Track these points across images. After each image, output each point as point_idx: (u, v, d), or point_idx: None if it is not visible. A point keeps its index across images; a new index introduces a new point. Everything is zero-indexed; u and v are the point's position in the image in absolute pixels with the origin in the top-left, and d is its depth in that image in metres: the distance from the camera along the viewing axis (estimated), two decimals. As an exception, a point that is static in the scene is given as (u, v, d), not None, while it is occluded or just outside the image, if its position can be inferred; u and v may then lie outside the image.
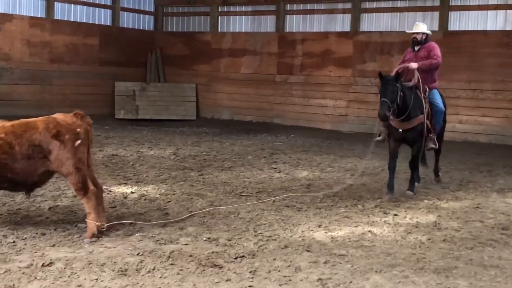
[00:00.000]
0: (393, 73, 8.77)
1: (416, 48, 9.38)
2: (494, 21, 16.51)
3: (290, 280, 5.18)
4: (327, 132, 17.55)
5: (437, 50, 9.31)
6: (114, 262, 5.40)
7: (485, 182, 10.26)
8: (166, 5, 22.08)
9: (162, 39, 21.77)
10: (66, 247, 5.84)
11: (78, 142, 6.13)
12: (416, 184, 9.23)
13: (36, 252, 5.63)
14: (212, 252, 5.80)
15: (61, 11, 19.22)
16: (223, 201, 8.10)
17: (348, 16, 18.63)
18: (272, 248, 6.06)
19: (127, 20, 21.30)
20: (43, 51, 18.47)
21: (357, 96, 18.20)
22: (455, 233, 6.87)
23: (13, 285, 4.83)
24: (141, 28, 21.83)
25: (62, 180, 8.88)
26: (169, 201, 8.00)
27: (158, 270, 5.26)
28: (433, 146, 9.20)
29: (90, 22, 20.07)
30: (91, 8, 20.14)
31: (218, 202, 8.02)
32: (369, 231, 6.83)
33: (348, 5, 18.58)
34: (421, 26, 9.48)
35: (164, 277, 5.11)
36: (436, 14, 17.18)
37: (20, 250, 5.68)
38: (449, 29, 16.94)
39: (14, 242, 5.91)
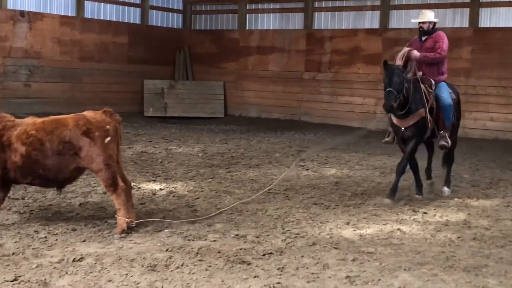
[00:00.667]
0: (396, 62, 8.25)
1: (423, 38, 8.69)
2: (525, 18, 16.29)
3: (318, 277, 5.18)
4: (355, 129, 17.45)
5: (443, 42, 8.60)
6: (144, 258, 5.45)
7: (516, 180, 10.13)
8: (194, 3, 22.16)
9: (190, 37, 21.87)
10: (96, 243, 5.91)
11: (108, 139, 6.20)
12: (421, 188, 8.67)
13: (67, 248, 5.71)
14: (240, 249, 5.82)
15: (91, 10, 19.41)
16: (251, 198, 8.11)
17: (377, 13, 18.50)
18: (300, 245, 6.06)
19: (156, 18, 21.43)
20: (73, 49, 18.68)
21: (386, 93, 18.03)
22: (485, 232, 6.79)
23: (45, 279, 4.90)
24: (170, 26, 21.95)
25: (93, 177, 8.99)
26: (197, 198, 8.05)
27: (187, 266, 5.30)
28: (445, 143, 8.48)
29: (120, 20, 20.24)
30: (120, 6, 20.31)
31: (246, 199, 8.04)
32: (398, 229, 6.79)
33: (377, 2, 18.46)
34: (428, 14, 8.75)
35: (193, 273, 5.15)
36: (466, 11, 16.98)
37: (51, 246, 5.77)
38: (479, 26, 16.72)
39: (45, 237, 6.00)
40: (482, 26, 16.74)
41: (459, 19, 16.62)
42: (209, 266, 5.33)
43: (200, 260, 5.46)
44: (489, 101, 16.09)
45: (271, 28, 20.57)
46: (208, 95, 20.58)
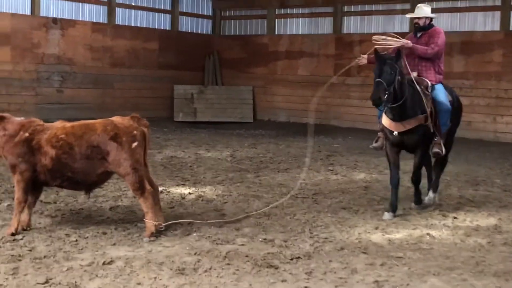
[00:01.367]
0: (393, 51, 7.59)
1: (419, 35, 8.05)
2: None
3: (346, 282, 5.17)
4: (385, 134, 17.33)
5: (438, 37, 7.89)
6: (172, 261, 5.50)
7: (549, 185, 9.97)
8: (224, 9, 22.29)
9: (219, 42, 21.99)
10: (126, 246, 5.98)
11: (135, 144, 6.28)
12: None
13: (97, 251, 5.79)
14: (268, 253, 5.84)
15: (121, 17, 19.66)
16: (279, 203, 8.12)
17: (406, 17, 18.37)
18: (328, 249, 6.06)
19: (186, 24, 21.61)
20: (105, 55, 18.93)
21: (416, 97, 17.92)
22: (517, 237, 6.71)
23: (75, 282, 4.98)
24: (199, 32, 22.10)
25: (123, 181, 9.09)
26: (226, 202, 8.09)
27: (215, 269, 5.33)
28: (439, 151, 7.77)
29: (150, 27, 20.47)
30: (150, 13, 20.52)
31: (274, 204, 8.05)
32: (428, 233, 6.74)
33: (407, 6, 18.31)
34: (424, 9, 8.10)
35: (221, 277, 5.18)
36: (498, 14, 16.78)
37: (82, 249, 5.85)
38: (511, 29, 16.51)
39: (76, 240, 6.09)
40: (514, 29, 16.56)
41: (490, 22, 16.44)
42: (237, 270, 5.35)
43: (228, 264, 5.49)
44: (521, 105, 15.89)
45: (300, 33, 20.58)
46: (237, 100, 20.66)
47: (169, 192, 8.57)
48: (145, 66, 19.88)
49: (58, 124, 6.46)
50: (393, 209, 7.58)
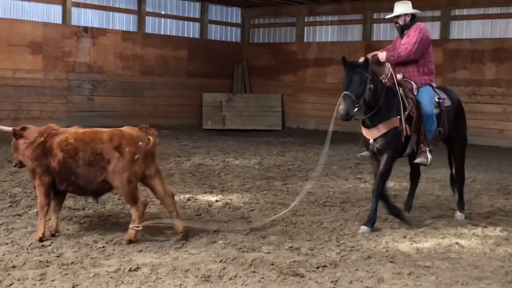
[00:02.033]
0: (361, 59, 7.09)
1: (403, 35, 7.50)
2: None
3: (372, 290, 5.12)
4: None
5: (414, 36, 7.28)
6: (198, 269, 5.50)
7: None
8: (253, 17, 22.36)
9: (248, 50, 22.05)
10: (152, 253, 6.00)
11: (137, 156, 6.31)
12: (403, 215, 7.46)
13: (124, 257, 5.82)
14: (294, 261, 5.80)
15: (151, 25, 19.85)
16: (306, 211, 8.09)
17: (437, 24, 18.23)
18: (354, 258, 6.00)
19: (215, 33, 21.72)
20: (135, 63, 19.11)
21: (447, 105, 17.74)
22: (549, 247, 6.57)
23: (101, 288, 5.01)
24: (228, 40, 22.20)
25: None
26: (253, 210, 8.07)
27: (240, 277, 5.32)
28: (424, 160, 7.25)
29: (179, 35, 20.62)
30: (180, 21, 20.68)
31: (301, 212, 8.02)
32: (456, 243, 6.63)
33: (437, 13, 18.19)
34: (401, 6, 7.45)
35: (246, 285, 5.16)
36: (531, 19, 16.57)
37: (109, 255, 5.89)
38: (544, 35, 16.29)
39: (103, 247, 6.13)
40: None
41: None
42: (262, 278, 5.33)
43: (254, 272, 5.47)
44: None
45: (329, 40, 20.53)
46: (266, 107, 20.66)
47: (196, 199, 8.59)
48: (174, 74, 20.02)
49: (72, 129, 6.58)
50: (371, 222, 7.08)
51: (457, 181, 8.05)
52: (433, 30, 18.34)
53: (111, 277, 5.26)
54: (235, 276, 5.33)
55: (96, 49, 18.12)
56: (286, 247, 6.30)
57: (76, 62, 17.67)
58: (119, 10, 19.03)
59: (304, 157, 13.57)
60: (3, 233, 6.45)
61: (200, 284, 5.16)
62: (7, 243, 6.12)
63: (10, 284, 5.00)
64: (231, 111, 20.35)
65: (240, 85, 21.62)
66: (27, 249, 5.96)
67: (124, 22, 19.19)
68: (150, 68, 19.47)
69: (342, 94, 6.81)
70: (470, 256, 6.18)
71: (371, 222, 7.09)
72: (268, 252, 6.10)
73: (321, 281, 5.29)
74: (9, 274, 5.20)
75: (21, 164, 6.71)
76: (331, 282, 5.28)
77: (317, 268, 5.64)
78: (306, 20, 21.08)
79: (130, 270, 5.42)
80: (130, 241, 6.28)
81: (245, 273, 5.43)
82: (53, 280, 5.12)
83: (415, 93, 7.28)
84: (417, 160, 7.32)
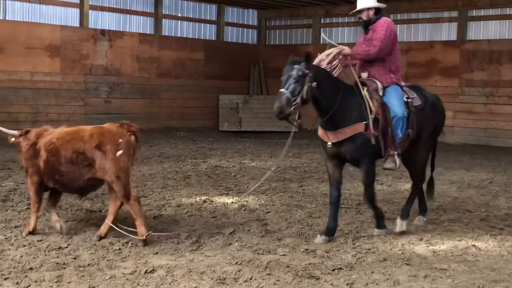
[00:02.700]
0: (322, 65, 6.65)
1: (367, 30, 7.01)
2: None
3: (387, 293, 5.10)
4: (432, 143, 17.07)
5: (380, 31, 6.76)
6: (213, 271, 5.51)
7: None
8: (269, 18, 22.37)
9: (264, 52, 22.05)
10: (168, 255, 6.02)
11: (120, 152, 6.39)
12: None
13: (140, 260, 5.85)
14: (309, 263, 5.80)
15: (168, 28, 19.94)
16: (322, 213, 8.07)
17: (454, 25, 18.14)
18: (370, 260, 5.98)
19: (231, 35, 21.77)
20: (152, 66, 19.20)
21: (464, 106, 17.64)
22: None
23: (117, 290, 5.04)
24: (245, 42, 22.23)
25: (168, 191, 9.20)
26: (268, 212, 8.07)
27: (255, 279, 5.32)
28: (392, 165, 6.73)
29: (196, 37, 20.69)
30: (196, 24, 20.76)
31: (317, 214, 8.01)
32: (473, 245, 6.58)
33: (454, 14, 18.09)
34: (364, 1, 6.93)
35: (261, 287, 5.16)
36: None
37: (125, 257, 5.92)
38: None
39: (120, 249, 6.16)
40: None
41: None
42: (278, 280, 5.33)
43: (269, 274, 5.47)
44: None
45: (345, 42, 20.46)
46: (283, 109, 20.60)
47: (212, 201, 8.61)
48: (191, 76, 20.09)
49: (60, 129, 6.74)
50: (329, 232, 6.66)
51: (415, 182, 7.52)
52: (450, 31, 18.27)
53: (127, 279, 5.28)
54: (251, 279, 5.33)
55: (113, 52, 18.23)
56: (302, 249, 6.30)
57: (94, 64, 17.79)
58: (136, 13, 19.12)
59: (321, 158, 13.51)
60: (20, 235, 6.51)
61: (216, 286, 5.17)
62: (25, 245, 6.18)
63: (27, 286, 5.05)
64: (248, 112, 20.36)
65: (256, 86, 21.64)
66: (44, 251, 6.01)
67: (141, 25, 19.29)
68: (166, 70, 19.55)
69: (278, 92, 6.38)
70: (487, 258, 6.13)
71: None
72: (284, 254, 6.10)
73: (337, 284, 5.28)
74: (26, 276, 5.25)
75: None
76: (347, 284, 5.27)
77: (333, 270, 5.63)
78: (322, 22, 21.04)
79: (146, 272, 5.44)
80: (145, 242, 6.30)
81: (260, 275, 5.43)
82: (69, 282, 5.16)
83: (381, 94, 6.74)
84: (385, 166, 6.81)
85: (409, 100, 6.95)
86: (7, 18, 16.36)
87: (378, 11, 6.97)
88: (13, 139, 6.84)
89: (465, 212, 8.31)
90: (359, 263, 5.90)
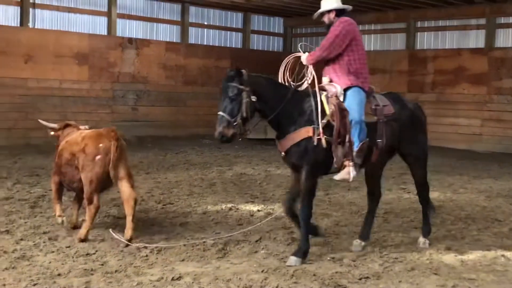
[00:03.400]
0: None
1: None
2: None
3: (415, 303, 5.05)
4: (460, 151, 16.92)
5: (332, 32, 6.37)
6: (240, 278, 5.51)
7: None
8: (295, 26, 22.38)
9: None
10: (194, 262, 6.04)
11: (98, 157, 6.60)
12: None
13: (166, 266, 5.87)
14: (336, 272, 5.76)
15: (194, 36, 20.05)
16: (348, 221, 8.03)
17: (482, 32, 17.97)
18: (398, 270, 5.93)
19: (257, 42, 21.82)
20: (178, 74, 19.32)
21: (493, 114, 17.45)
22: None
23: (144, 297, 5.06)
24: (271, 49, 22.26)
25: (194, 198, 9.23)
26: (295, 220, 8.03)
27: (282, 288, 5.31)
28: (344, 177, 6.27)
29: (222, 45, 20.77)
30: (223, 31, 20.84)
31: (344, 222, 7.97)
32: (502, 255, 6.50)
33: (482, 21, 17.92)
34: (324, 3, 6.56)
35: (287, 295, 5.15)
36: None
37: (152, 264, 5.95)
38: None
39: (146, 256, 6.20)
40: None
41: None
42: (304, 288, 5.31)
43: (295, 283, 5.45)
44: None
45: (372, 49, 20.40)
46: (308, 117, 20.57)
47: (238, 209, 8.62)
48: (217, 84, 20.05)
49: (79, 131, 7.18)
50: (302, 252, 6.10)
51: (421, 200, 7.08)
52: (478, 38, 18.09)
53: (154, 286, 5.31)
54: (277, 287, 5.32)
55: (140, 60, 18.39)
56: (328, 258, 6.27)
57: (121, 72, 17.96)
58: (162, 21, 19.27)
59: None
60: (49, 242, 6.58)
61: (242, 294, 5.17)
62: (53, 251, 6.24)
63: (56, 292, 5.10)
64: (273, 120, 20.32)
65: (282, 94, 21.62)
66: (72, 257, 6.06)
67: (167, 33, 19.43)
68: (193, 78, 19.65)
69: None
70: (517, 269, 6.05)
71: (302, 251, 6.12)
72: (310, 263, 6.07)
73: (364, 293, 5.25)
74: (54, 282, 5.30)
75: None
76: (374, 293, 5.23)
77: (360, 279, 5.59)
78: (348, 29, 20.97)
79: (172, 279, 5.46)
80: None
81: (286, 283, 5.42)
82: (97, 288, 5.21)
83: (341, 98, 6.31)
84: (337, 177, 6.31)
85: (377, 107, 6.48)
86: (36, 27, 16.60)
87: (341, 13, 6.58)
88: (52, 132, 7.17)
89: (493, 221, 8.22)
90: (386, 272, 5.86)
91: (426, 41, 19.31)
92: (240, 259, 6.17)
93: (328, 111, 6.16)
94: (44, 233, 6.94)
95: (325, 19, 6.56)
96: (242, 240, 6.82)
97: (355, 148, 6.21)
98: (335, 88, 6.36)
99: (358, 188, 10.68)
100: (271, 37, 22.29)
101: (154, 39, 19.00)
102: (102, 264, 5.87)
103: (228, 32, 21.03)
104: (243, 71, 6.10)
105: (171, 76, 19.12)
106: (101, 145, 6.63)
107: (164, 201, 8.98)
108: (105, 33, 17.93)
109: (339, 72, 6.42)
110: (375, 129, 6.42)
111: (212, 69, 20.06)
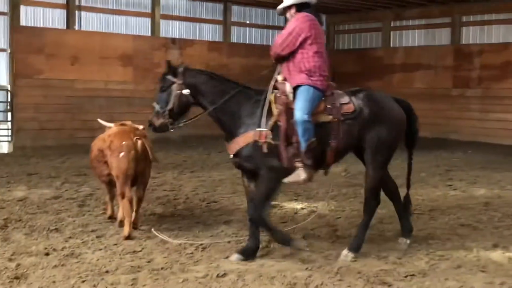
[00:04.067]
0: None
1: None
2: None
3: (462, 301, 4.98)
4: (508, 147, 16.58)
5: (286, 28, 6.17)
6: (284, 276, 5.51)
7: None
8: (338, 23, 22.27)
9: (333, 56, 21.89)
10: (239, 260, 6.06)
11: (122, 154, 6.79)
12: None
13: (211, 263, 5.92)
14: (381, 270, 5.72)
15: (237, 35, 20.14)
16: (392, 218, 7.95)
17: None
18: (444, 267, 5.86)
19: (300, 40, 21.76)
20: (221, 73, 19.34)
21: (542, 109, 17.08)
22: None
23: (190, 293, 5.12)
24: (312, 47, 22.16)
25: (237, 196, 9.27)
26: (339, 218, 8.02)
27: (326, 285, 5.29)
28: (296, 179, 6.02)
29: (264, 43, 20.77)
30: (264, 30, 20.86)
31: (388, 220, 7.90)
32: (552, 252, 6.36)
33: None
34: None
35: (332, 293, 5.14)
36: None
37: (197, 261, 6.01)
38: None
39: (192, 253, 6.26)
40: None
41: None
42: (349, 286, 5.29)
43: (340, 280, 5.43)
44: None
45: (416, 45, 20.16)
46: (352, 114, 20.46)
47: (282, 207, 8.63)
48: (259, 83, 20.12)
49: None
50: (247, 253, 6.06)
51: (364, 202, 6.54)
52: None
53: (199, 282, 5.36)
54: (321, 284, 5.31)
55: (184, 60, 18.50)
56: (373, 255, 6.23)
57: (165, 73, 18.13)
58: (205, 21, 19.41)
59: (392, 164, 13.28)
60: (97, 240, 6.70)
61: (286, 291, 5.18)
62: (101, 249, 6.36)
63: (104, 288, 5.20)
64: (317, 118, 20.28)
65: (325, 92, 21.55)
66: (120, 254, 6.17)
67: (210, 33, 19.57)
68: (235, 77, 19.38)
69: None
70: None
71: (246, 253, 6.05)
72: (355, 260, 6.04)
73: (409, 291, 5.20)
74: (102, 278, 5.40)
75: None
76: (420, 291, 5.18)
77: (405, 277, 5.54)
78: (392, 25, 20.78)
79: (217, 276, 5.50)
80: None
81: (331, 281, 5.40)
82: (144, 285, 5.28)
83: (291, 97, 6.06)
84: (286, 180, 6.03)
85: (333, 106, 6.15)
86: (82, 29, 16.92)
87: (304, 7, 6.23)
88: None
89: (543, 218, 8.04)
90: (432, 269, 5.79)
91: (471, 35, 18.98)
92: (284, 257, 6.17)
93: (275, 111, 6.01)
94: (92, 231, 7.07)
95: (287, 14, 6.31)
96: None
97: (302, 148, 5.95)
98: (285, 87, 6.14)
99: (404, 185, 10.58)
100: (313, 34, 22.22)
101: (197, 39, 19.15)
102: (148, 261, 5.95)
103: (270, 30, 21.03)
104: (181, 66, 6.36)
105: (214, 76, 19.21)
106: (124, 142, 6.84)
107: (208, 199, 9.05)
108: (149, 34, 18.15)
109: (292, 70, 6.16)
110: (328, 129, 6.12)
111: (254, 68, 20.08)
